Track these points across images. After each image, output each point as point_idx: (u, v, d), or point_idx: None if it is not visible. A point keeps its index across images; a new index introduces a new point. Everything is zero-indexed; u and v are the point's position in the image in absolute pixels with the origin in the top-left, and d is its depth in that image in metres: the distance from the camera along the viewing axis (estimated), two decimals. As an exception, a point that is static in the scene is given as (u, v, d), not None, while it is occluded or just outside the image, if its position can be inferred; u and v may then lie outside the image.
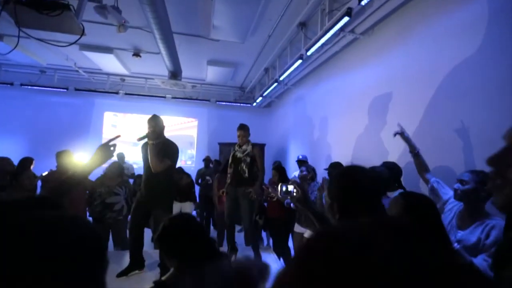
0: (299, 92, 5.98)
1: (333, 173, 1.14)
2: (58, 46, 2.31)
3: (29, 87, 6.32)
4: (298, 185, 1.29)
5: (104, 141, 1.28)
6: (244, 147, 3.25)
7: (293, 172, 4.35)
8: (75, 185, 1.13)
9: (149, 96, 6.93)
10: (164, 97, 6.98)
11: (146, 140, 2.54)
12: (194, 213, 5.23)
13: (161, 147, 2.52)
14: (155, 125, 2.59)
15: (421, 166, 1.81)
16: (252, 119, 7.35)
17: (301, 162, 4.17)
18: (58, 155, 3.30)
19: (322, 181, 2.35)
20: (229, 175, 3.28)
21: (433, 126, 2.54)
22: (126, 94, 6.77)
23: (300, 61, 4.11)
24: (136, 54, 5.08)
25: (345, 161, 3.57)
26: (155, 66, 5.74)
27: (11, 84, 6.20)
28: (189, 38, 4.44)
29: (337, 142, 4.30)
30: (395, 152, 2.93)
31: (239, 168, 3.19)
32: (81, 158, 4.28)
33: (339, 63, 4.25)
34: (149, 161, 2.48)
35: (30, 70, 6.28)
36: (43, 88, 6.41)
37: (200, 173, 5.74)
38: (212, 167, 5.67)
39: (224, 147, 6.93)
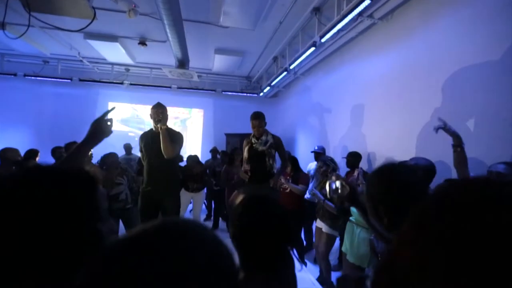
0: (308, 82, 5.84)
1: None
2: (68, 31, 2.20)
3: (33, 77, 6.20)
4: (346, 182, 1.21)
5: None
6: (263, 138, 2.82)
7: (307, 163, 4.27)
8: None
9: (154, 86, 6.81)
10: (170, 87, 6.85)
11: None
12: (203, 203, 5.20)
13: (169, 134, 2.43)
14: (163, 111, 2.49)
15: (462, 161, 1.69)
16: (259, 109, 7.09)
17: (318, 154, 4.02)
18: (67, 146, 3.22)
19: (357, 175, 2.20)
20: (248, 172, 2.86)
21: (454, 116, 2.44)
22: (131, 84, 6.65)
23: (312, 49, 3.97)
24: (142, 42, 4.94)
25: (361, 152, 3.50)
26: (161, 55, 5.60)
27: (15, 74, 6.08)
28: (198, 25, 4.30)
29: (348, 132, 4.21)
30: (414, 143, 2.85)
31: (265, 162, 2.78)
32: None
33: (353, 50, 4.11)
34: (163, 147, 2.36)
35: (33, 60, 6.15)
36: (47, 79, 6.30)
37: (208, 164, 5.69)
38: (220, 158, 5.60)
39: (231, 137, 6.86)
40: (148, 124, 7.40)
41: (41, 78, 6.27)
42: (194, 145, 7.68)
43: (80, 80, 6.49)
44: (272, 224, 0.88)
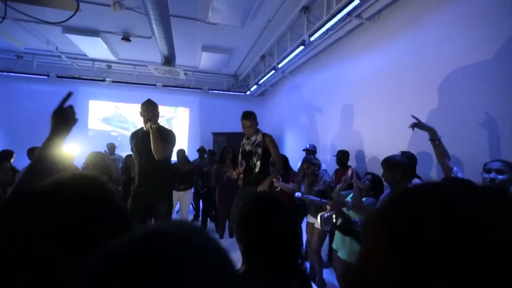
0: (296, 80, 5.87)
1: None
2: (48, 23, 2.06)
3: (5, 73, 5.81)
4: (341, 213, 1.20)
5: (90, 133, 1.03)
6: (253, 138, 2.72)
7: (296, 162, 4.28)
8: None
9: (138, 84, 6.59)
10: (155, 85, 6.66)
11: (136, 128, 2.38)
12: (191, 204, 5.10)
13: (161, 134, 2.33)
14: (154, 108, 2.37)
15: (442, 154, 1.76)
16: (246, 108, 7.07)
17: (309, 152, 4.03)
18: (30, 152, 3.05)
19: (351, 174, 2.16)
20: (240, 175, 2.80)
21: (444, 115, 2.52)
22: (113, 82, 6.39)
23: (301, 48, 3.98)
24: (126, 38, 4.75)
25: (350, 150, 3.55)
26: (146, 51, 5.42)
27: (-16, 70, 5.68)
28: (185, 21, 4.18)
29: (337, 131, 4.27)
30: (401, 141, 2.92)
31: (251, 163, 2.70)
32: (69, 150, 3.99)
33: (341, 49, 4.16)
34: (153, 148, 2.26)
35: (5, 55, 5.76)
36: (21, 75, 5.93)
37: (195, 164, 5.58)
38: (207, 157, 5.51)
39: (218, 136, 6.78)
40: (132, 123, 7.18)
41: (14, 74, 5.89)
42: (180, 144, 7.51)
43: (58, 76, 6.17)
44: (281, 226, 0.85)
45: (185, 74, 6.14)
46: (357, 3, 2.78)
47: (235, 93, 7.43)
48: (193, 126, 7.63)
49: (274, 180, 3.26)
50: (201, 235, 0.33)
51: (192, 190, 4.60)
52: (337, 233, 2.43)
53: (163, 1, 2.96)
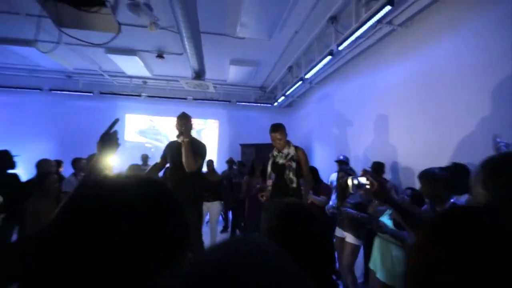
0: (324, 91, 5.78)
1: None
2: (94, 45, 2.26)
3: (57, 92, 6.47)
4: (372, 176, 1.11)
5: (127, 144, 1.14)
6: (285, 150, 2.68)
7: (326, 174, 4.16)
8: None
9: (171, 98, 6.94)
10: (185, 98, 6.96)
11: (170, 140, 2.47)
12: (220, 214, 5.14)
13: (192, 146, 2.40)
14: (187, 122, 2.46)
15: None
16: (273, 119, 7.12)
17: (342, 163, 3.90)
18: (90, 158, 3.28)
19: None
20: (269, 187, 2.76)
21: (489, 124, 2.29)
22: (148, 96, 6.80)
23: (329, 57, 3.92)
24: (160, 55, 5.06)
25: (384, 162, 3.36)
26: (178, 67, 5.71)
27: (40, 89, 6.37)
28: (214, 37, 4.36)
29: (370, 141, 4.08)
30: (439, 152, 2.70)
31: (284, 176, 2.64)
32: (109, 161, 4.27)
33: (371, 58, 4.03)
34: (184, 161, 2.34)
35: (57, 75, 6.43)
36: (70, 93, 6.56)
37: (224, 175, 5.65)
38: (236, 168, 5.57)
39: (246, 148, 6.84)
40: (164, 135, 7.52)
41: (64, 92, 6.53)
42: (210, 155, 7.70)
43: (101, 93, 6.72)
44: (314, 237, 0.80)
45: (214, 87, 6.35)
46: (388, 9, 2.69)
47: (262, 104, 7.51)
48: (222, 138, 7.79)
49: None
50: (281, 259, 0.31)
51: (221, 201, 4.65)
52: (375, 251, 2.27)
53: (194, 19, 3.12)
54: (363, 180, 1.12)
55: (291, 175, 2.62)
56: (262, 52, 4.94)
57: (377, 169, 3.20)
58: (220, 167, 6.53)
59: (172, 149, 2.53)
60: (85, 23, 1.79)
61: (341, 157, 4.05)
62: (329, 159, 4.95)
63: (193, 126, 2.55)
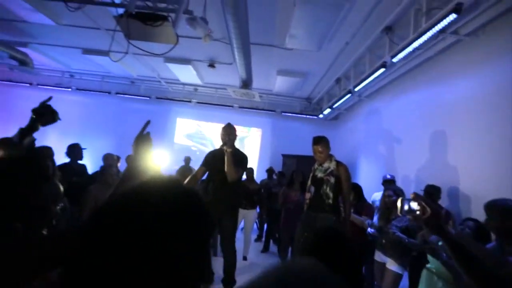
0: (374, 105, 5.46)
1: None
2: (156, 55, 2.50)
3: (122, 95, 7.29)
4: (425, 202, 0.98)
5: (176, 147, 1.19)
6: (326, 164, 2.63)
7: (370, 192, 3.89)
8: None
9: (218, 105, 7.27)
10: (232, 106, 7.22)
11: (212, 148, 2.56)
12: (255, 223, 5.14)
13: (234, 156, 2.48)
14: (231, 132, 2.57)
15: None
16: (318, 131, 6.91)
17: (389, 182, 3.58)
18: (127, 159, 3.71)
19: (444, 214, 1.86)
20: (307, 200, 2.74)
21: None
22: (198, 102, 7.24)
23: (382, 70, 3.71)
24: (211, 65, 5.36)
25: (439, 185, 3.02)
26: (227, 76, 5.98)
27: (109, 92, 7.25)
28: (262, 47, 4.47)
29: (424, 162, 3.70)
30: (509, 180, 2.31)
31: (321, 191, 2.59)
32: (157, 162, 4.62)
33: (431, 70, 3.70)
34: (226, 170, 2.42)
35: (123, 81, 7.26)
36: (132, 96, 7.33)
37: (263, 184, 5.66)
38: (276, 178, 5.54)
39: (287, 159, 6.77)
40: (210, 140, 7.87)
41: (127, 96, 7.32)
42: (250, 163, 7.80)
43: (157, 98, 7.37)
44: (344, 268, 0.75)
45: (260, 96, 6.48)
46: (453, 18, 2.45)
47: (307, 116, 7.40)
48: (264, 147, 7.85)
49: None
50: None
51: (257, 209, 4.66)
52: (420, 285, 2.03)
53: (245, 31, 3.25)
54: (414, 205, 1.01)
55: (327, 190, 2.56)
56: (310, 63, 4.90)
57: (431, 193, 2.87)
58: (260, 175, 6.57)
59: (215, 157, 2.63)
60: (149, 36, 2.01)
61: (388, 176, 3.74)
62: (375, 177, 4.62)
63: (237, 134, 2.63)
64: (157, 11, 2.03)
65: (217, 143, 2.69)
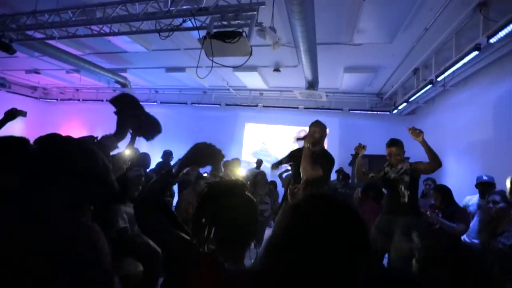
0: (462, 95, 4.75)
1: None
2: (232, 67, 2.75)
3: (196, 105, 8.11)
4: None
5: (242, 163, 1.19)
6: (399, 166, 2.59)
7: (459, 196, 3.39)
8: None
9: (284, 107, 7.39)
10: (297, 108, 7.24)
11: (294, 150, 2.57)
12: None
13: (316, 156, 2.32)
14: (315, 130, 2.39)
15: None
16: (391, 129, 6.45)
17: (487, 186, 3.01)
18: (226, 163, 4.10)
19: None
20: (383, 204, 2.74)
21: None
22: (264, 106, 7.50)
23: (475, 53, 3.21)
24: (276, 69, 5.51)
25: None
26: (292, 78, 6.04)
27: (185, 103, 8.16)
28: (328, 46, 4.38)
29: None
30: None
31: (397, 190, 2.51)
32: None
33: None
34: (301, 166, 2.27)
35: (197, 92, 8.05)
36: (204, 105, 8.09)
37: (331, 186, 5.50)
38: (341, 179, 5.33)
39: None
40: (275, 157, 7.96)
41: (200, 105, 8.09)
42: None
43: (226, 104, 7.94)
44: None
45: (326, 95, 6.32)
46: None
47: (378, 112, 6.88)
48: (332, 147, 7.58)
49: (429, 213, 2.74)
50: None
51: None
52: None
53: (312, 33, 3.25)
54: None
55: (402, 188, 2.49)
56: (381, 56, 4.57)
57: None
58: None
59: (295, 157, 2.55)
60: (228, 51, 2.24)
61: (485, 178, 3.15)
62: (467, 179, 3.99)
63: (326, 132, 2.47)
64: (232, 27, 2.23)
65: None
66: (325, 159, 2.39)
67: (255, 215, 0.90)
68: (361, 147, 2.86)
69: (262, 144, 8.20)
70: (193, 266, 0.75)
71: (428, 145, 2.52)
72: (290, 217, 0.63)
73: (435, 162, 2.49)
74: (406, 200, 2.46)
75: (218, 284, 0.72)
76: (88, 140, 1.62)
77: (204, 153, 1.07)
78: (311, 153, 2.29)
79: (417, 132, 2.48)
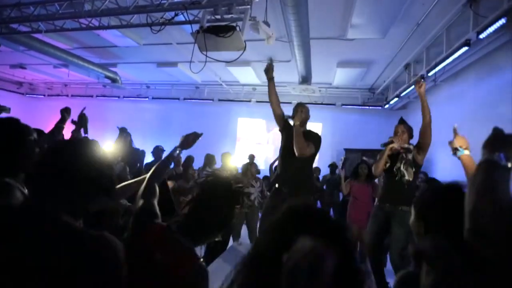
0: (452, 89, 4.83)
1: None
2: (225, 62, 2.72)
3: (188, 100, 8.02)
4: None
5: (238, 145, 1.39)
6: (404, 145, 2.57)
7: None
8: None
9: (276, 102, 7.39)
10: (290, 103, 7.24)
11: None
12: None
13: (307, 134, 2.36)
14: (303, 110, 2.47)
15: None
16: (383, 123, 6.56)
17: None
18: (223, 156, 4.13)
19: None
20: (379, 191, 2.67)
21: None
22: (257, 101, 7.47)
23: (465, 49, 3.26)
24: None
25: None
26: (284, 73, 6.01)
27: (178, 99, 8.05)
28: (322, 41, 4.37)
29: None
30: None
31: (397, 171, 2.42)
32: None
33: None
34: (294, 143, 2.24)
35: (189, 87, 7.95)
36: (197, 100, 8.00)
37: (326, 180, 5.57)
38: (338, 173, 5.39)
39: (350, 153, 6.48)
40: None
41: (193, 100, 8.00)
42: (311, 159, 7.73)
43: (219, 100, 7.87)
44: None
45: (319, 90, 6.34)
46: None
47: (371, 107, 6.95)
48: (325, 141, 7.60)
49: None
50: None
51: (318, 204, 4.62)
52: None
53: (305, 28, 3.24)
54: None
55: (402, 167, 2.41)
56: (373, 51, 4.60)
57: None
58: (322, 171, 6.46)
59: (284, 135, 2.55)
60: (221, 46, 2.21)
61: None
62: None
63: (309, 115, 2.52)
64: (225, 22, 2.20)
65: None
66: (315, 138, 2.46)
67: (230, 218, 1.06)
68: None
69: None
70: (148, 229, 0.95)
71: (424, 98, 2.54)
72: (270, 230, 0.61)
73: (427, 117, 2.54)
74: (411, 178, 2.39)
75: (164, 249, 0.89)
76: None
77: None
78: (302, 131, 2.33)
79: (420, 84, 2.46)
